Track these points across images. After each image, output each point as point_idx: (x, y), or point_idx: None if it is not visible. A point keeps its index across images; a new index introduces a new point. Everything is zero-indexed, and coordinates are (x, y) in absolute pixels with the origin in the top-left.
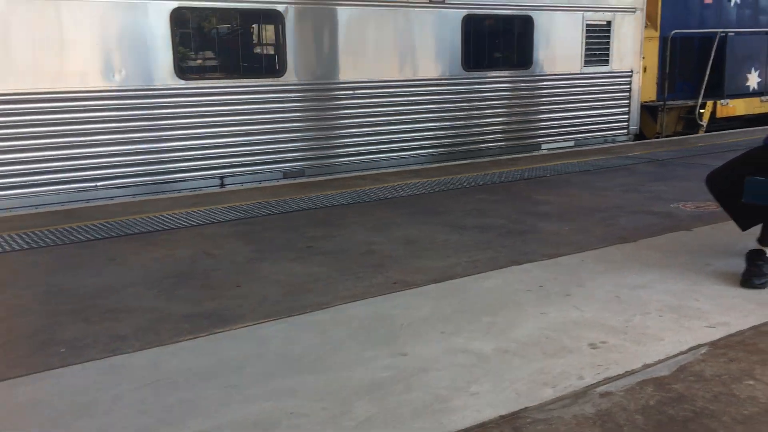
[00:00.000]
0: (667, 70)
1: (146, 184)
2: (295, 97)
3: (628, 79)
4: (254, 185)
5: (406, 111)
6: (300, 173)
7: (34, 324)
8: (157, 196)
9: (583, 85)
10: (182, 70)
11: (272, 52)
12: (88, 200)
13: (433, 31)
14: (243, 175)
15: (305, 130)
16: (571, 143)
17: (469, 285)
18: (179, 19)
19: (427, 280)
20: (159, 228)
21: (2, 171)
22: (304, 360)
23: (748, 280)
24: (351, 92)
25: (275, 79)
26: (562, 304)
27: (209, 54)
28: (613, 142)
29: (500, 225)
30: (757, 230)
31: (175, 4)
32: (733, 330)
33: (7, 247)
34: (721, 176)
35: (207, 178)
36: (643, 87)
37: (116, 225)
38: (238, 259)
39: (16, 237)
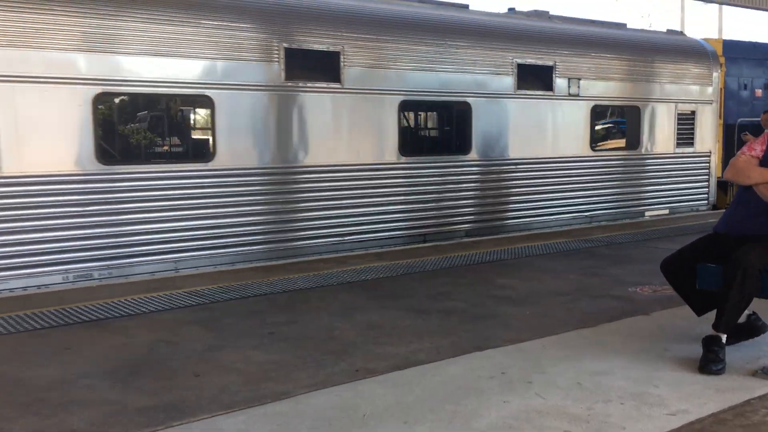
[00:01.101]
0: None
1: (373, 239)
2: (475, 170)
3: (708, 158)
4: (218, 268)
5: (553, 182)
6: (477, 233)
7: None
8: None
9: (675, 162)
10: (403, 149)
11: (461, 135)
12: (337, 251)
13: (570, 118)
14: (437, 233)
15: (481, 197)
16: (666, 211)
17: (432, 372)
18: (404, 108)
19: (389, 366)
20: (116, 314)
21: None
22: None
23: (706, 366)
24: (514, 167)
25: (463, 156)
26: (525, 391)
27: (418, 136)
28: (697, 211)
29: (463, 309)
30: (712, 315)
31: (402, 98)
32: (692, 418)
33: None
34: (675, 262)
35: (413, 236)
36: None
37: (72, 311)
38: (197, 346)
39: None
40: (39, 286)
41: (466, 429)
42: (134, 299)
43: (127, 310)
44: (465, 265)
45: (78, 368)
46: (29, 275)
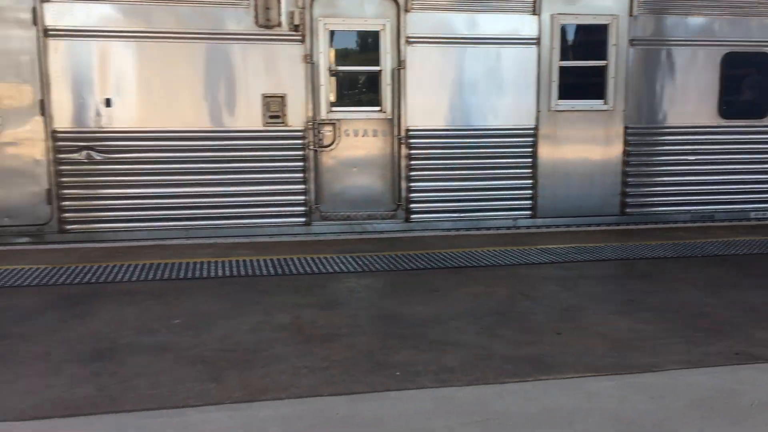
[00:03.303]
0: None
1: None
2: None
3: None
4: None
5: None
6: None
7: (370, 344)
8: (478, 232)
9: None
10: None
11: None
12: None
13: None
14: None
15: None
16: None
17: None
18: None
19: None
20: (476, 264)
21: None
22: (638, 425)
23: None
24: None
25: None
26: None
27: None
28: None
29: None
30: None
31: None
32: None
33: (344, 268)
34: None
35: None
36: None
37: (436, 257)
38: (555, 304)
39: (350, 259)
40: None
41: None
42: (492, 251)
43: (486, 261)
44: None
45: (447, 310)
46: None
